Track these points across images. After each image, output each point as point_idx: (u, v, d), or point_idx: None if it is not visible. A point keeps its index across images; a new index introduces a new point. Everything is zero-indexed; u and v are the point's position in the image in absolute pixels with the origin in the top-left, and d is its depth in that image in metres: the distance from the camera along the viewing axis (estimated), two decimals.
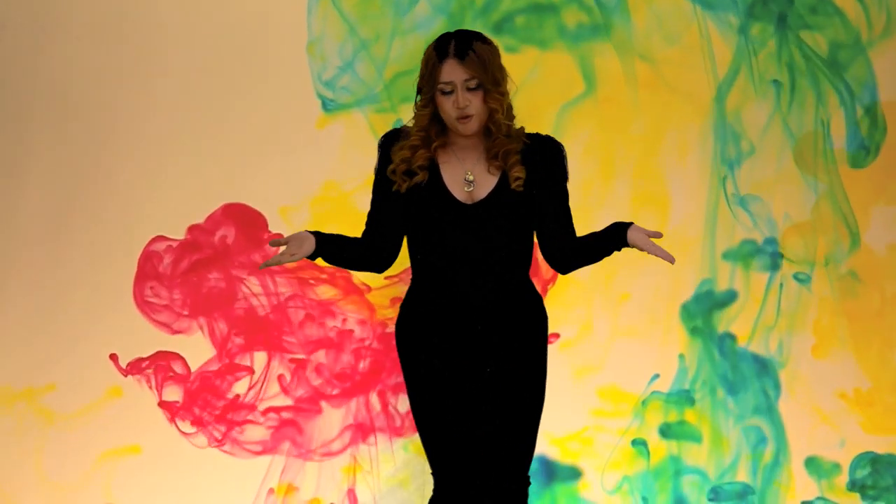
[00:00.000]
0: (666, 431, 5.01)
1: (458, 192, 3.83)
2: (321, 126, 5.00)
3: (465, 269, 3.81)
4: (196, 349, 4.97)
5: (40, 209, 4.97)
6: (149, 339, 4.95)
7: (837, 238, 5.05)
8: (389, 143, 3.89)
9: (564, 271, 3.94)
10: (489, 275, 3.81)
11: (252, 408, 4.96)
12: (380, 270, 3.96)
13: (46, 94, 4.98)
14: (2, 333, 4.95)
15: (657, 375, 5.01)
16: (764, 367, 5.01)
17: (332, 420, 4.97)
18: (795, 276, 5.04)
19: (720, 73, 5.05)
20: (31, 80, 4.97)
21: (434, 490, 3.85)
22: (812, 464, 5.02)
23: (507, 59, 3.88)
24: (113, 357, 4.92)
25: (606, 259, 3.85)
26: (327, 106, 4.99)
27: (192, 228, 4.99)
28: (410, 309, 3.90)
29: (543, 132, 3.93)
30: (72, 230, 4.97)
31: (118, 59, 4.98)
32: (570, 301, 5.00)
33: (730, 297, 5.04)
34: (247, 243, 4.98)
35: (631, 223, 3.79)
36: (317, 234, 3.83)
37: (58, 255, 4.96)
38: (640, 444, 4.99)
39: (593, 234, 3.85)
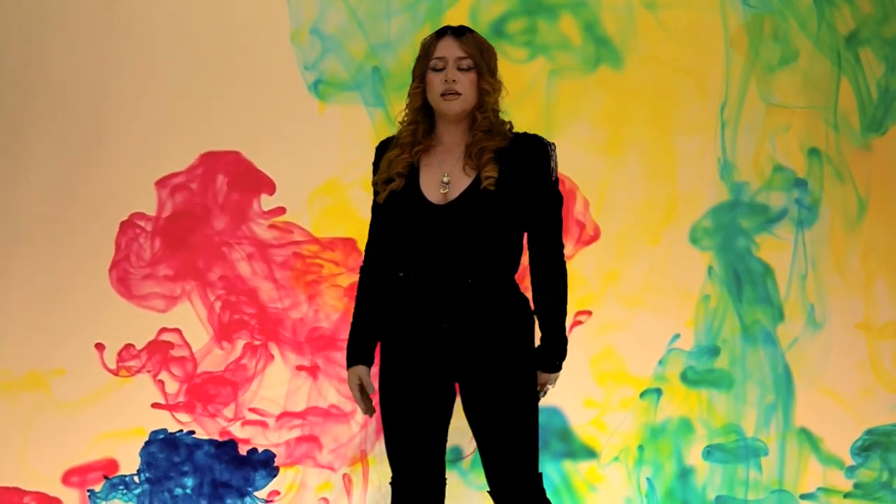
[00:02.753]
0: (687, 383, 5.02)
1: (434, 194, 3.81)
2: (320, 114, 5.06)
3: (435, 268, 3.78)
4: (195, 336, 5.01)
5: (42, 198, 5.03)
6: (152, 325, 4.99)
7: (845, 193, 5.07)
8: (381, 151, 3.92)
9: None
10: (459, 274, 3.77)
11: (262, 420, 4.97)
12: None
13: (45, 93, 5.05)
14: (10, 319, 5.01)
15: (678, 335, 5.02)
16: (779, 310, 5.03)
17: (344, 421, 4.99)
18: (808, 207, 5.03)
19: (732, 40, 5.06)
20: (30, 80, 5.06)
21: (392, 492, 3.86)
22: (810, 439, 5.00)
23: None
24: (99, 346, 4.96)
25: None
26: (319, 90, 5.04)
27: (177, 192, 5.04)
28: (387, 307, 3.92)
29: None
30: (74, 221, 5.02)
31: (113, 61, 5.05)
32: (601, 257, 5.02)
33: (757, 229, 5.04)
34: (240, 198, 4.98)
35: (543, 357, 3.85)
36: (359, 353, 3.90)
37: (62, 245, 5.02)
38: (654, 393, 5.00)
39: (541, 317, 3.87)
